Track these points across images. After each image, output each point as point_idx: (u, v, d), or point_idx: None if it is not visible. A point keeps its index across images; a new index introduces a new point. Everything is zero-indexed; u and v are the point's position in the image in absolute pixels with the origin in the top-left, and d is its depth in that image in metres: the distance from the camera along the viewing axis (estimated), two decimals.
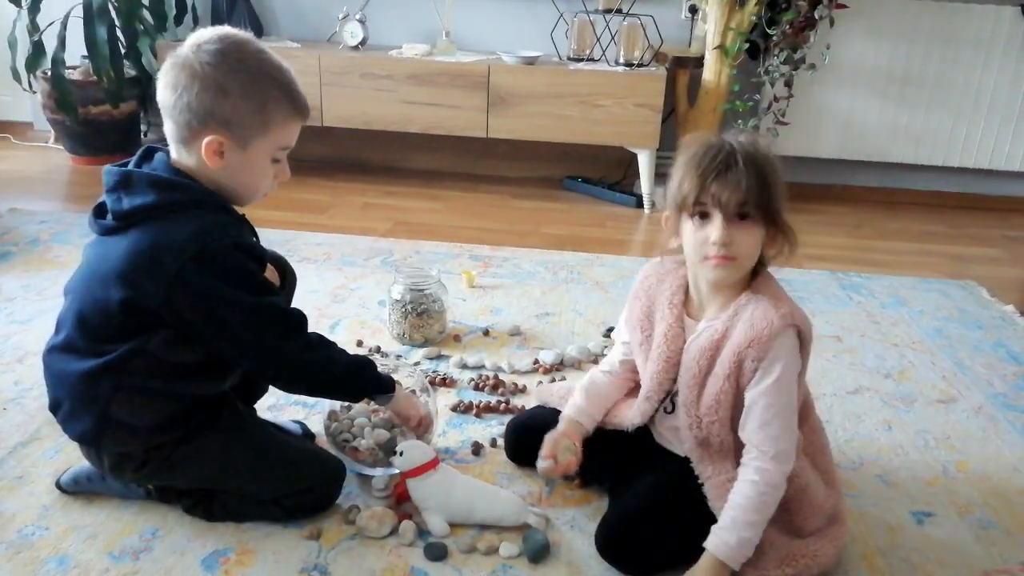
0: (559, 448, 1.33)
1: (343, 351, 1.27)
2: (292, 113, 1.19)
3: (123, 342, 1.15)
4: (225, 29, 1.16)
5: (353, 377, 1.27)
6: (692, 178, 1.15)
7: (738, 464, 1.20)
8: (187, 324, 1.14)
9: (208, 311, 1.13)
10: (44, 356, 1.23)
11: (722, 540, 1.14)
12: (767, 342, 1.15)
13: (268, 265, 1.39)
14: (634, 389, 1.41)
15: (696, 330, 1.24)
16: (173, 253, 1.10)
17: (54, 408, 1.23)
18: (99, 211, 1.19)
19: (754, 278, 1.23)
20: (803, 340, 1.19)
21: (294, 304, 1.51)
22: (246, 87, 1.13)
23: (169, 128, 1.17)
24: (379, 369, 1.31)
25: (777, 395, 1.16)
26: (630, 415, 1.35)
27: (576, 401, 1.40)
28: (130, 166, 1.19)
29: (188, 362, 1.19)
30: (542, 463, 1.32)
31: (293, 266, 1.51)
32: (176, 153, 1.18)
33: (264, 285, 1.19)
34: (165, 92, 1.14)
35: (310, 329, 1.23)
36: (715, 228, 1.15)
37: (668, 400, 1.31)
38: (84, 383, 1.17)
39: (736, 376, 1.18)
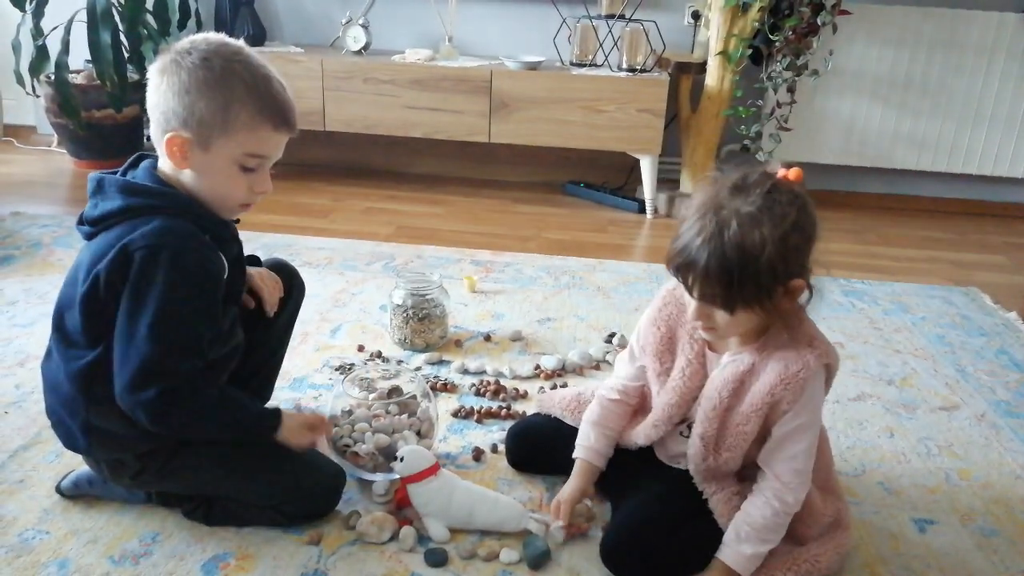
0: (575, 513, 1.29)
1: (230, 409, 1.20)
2: (259, 117, 1.14)
3: (88, 350, 1.15)
4: (209, 35, 1.16)
5: (222, 428, 1.21)
6: (671, 245, 1.10)
7: (741, 480, 1.20)
8: (111, 289, 1.11)
9: (136, 289, 1.10)
10: (41, 363, 1.26)
11: (737, 551, 1.16)
12: (803, 384, 1.12)
13: (270, 276, 1.40)
14: (641, 408, 1.37)
15: (720, 363, 1.21)
16: (131, 242, 1.10)
17: (48, 415, 1.25)
18: (82, 217, 1.20)
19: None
20: (830, 375, 1.18)
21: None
22: (208, 84, 1.11)
23: (151, 131, 1.17)
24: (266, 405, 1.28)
25: (806, 433, 1.15)
26: (634, 436, 1.33)
27: (590, 442, 1.34)
28: (118, 172, 1.19)
29: None
30: (556, 531, 1.26)
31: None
32: (160, 158, 1.18)
33: (189, 300, 1.12)
34: (148, 93, 1.15)
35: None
36: (690, 306, 1.13)
37: (684, 425, 1.28)
38: (63, 392, 1.19)
39: (765, 414, 1.15)
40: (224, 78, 1.12)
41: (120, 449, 1.21)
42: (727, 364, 1.19)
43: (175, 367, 1.12)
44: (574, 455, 1.35)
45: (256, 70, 1.15)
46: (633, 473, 1.32)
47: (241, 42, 1.17)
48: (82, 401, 1.17)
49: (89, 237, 1.18)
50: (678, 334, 1.25)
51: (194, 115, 1.12)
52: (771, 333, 1.16)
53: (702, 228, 1.06)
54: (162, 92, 1.13)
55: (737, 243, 1.03)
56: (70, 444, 1.23)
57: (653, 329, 1.28)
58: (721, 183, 1.10)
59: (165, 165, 1.18)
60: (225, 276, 1.19)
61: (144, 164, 1.20)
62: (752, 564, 1.16)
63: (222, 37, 1.16)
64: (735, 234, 1.04)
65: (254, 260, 1.40)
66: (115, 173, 1.19)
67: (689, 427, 1.25)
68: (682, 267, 1.08)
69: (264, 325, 1.40)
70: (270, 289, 1.39)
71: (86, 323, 1.15)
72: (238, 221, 1.28)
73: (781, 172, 1.11)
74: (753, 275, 1.04)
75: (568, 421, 1.44)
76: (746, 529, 1.16)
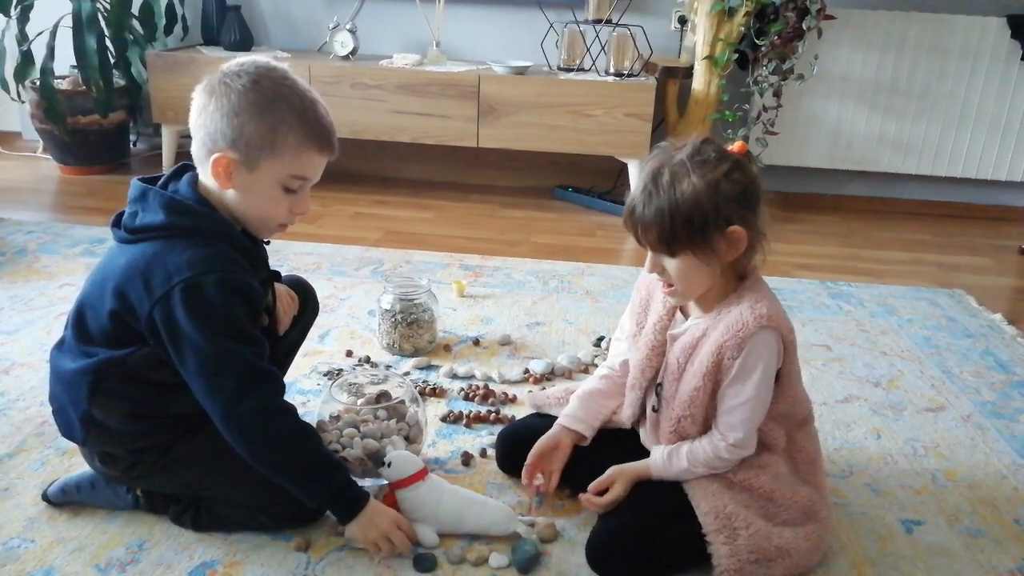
0: (546, 462, 1.36)
1: (315, 442, 1.20)
2: (307, 141, 1.17)
3: (107, 349, 1.17)
4: (257, 58, 1.18)
5: (310, 472, 1.18)
6: (626, 205, 1.21)
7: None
8: (162, 348, 1.14)
9: (175, 343, 1.12)
10: (51, 350, 1.27)
11: (663, 456, 1.27)
12: (742, 341, 1.18)
13: (286, 292, 1.40)
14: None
15: (683, 326, 1.28)
16: (161, 279, 1.11)
17: (50, 402, 1.26)
18: (118, 220, 1.21)
19: (742, 282, 1.24)
20: (785, 342, 1.21)
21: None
22: (258, 106, 1.14)
23: (193, 149, 1.18)
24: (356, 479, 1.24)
25: (744, 386, 1.19)
26: (623, 414, 1.39)
27: (571, 409, 1.41)
28: (160, 182, 1.20)
29: (163, 381, 1.19)
30: (534, 480, 1.35)
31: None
32: (201, 175, 1.20)
33: (240, 331, 1.15)
34: (192, 113, 1.17)
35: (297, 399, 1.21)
36: (647, 259, 1.22)
37: (655, 397, 1.32)
38: (70, 383, 1.20)
39: (714, 374, 1.21)
40: (273, 101, 1.14)
41: (115, 444, 1.22)
42: (688, 329, 1.26)
43: (258, 369, 1.15)
44: (556, 421, 1.40)
45: (304, 94, 1.17)
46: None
47: (286, 66, 1.19)
48: (87, 394, 1.18)
49: (123, 241, 1.19)
50: (654, 295, 1.33)
51: (242, 137, 1.14)
52: (725, 301, 1.23)
53: (643, 183, 1.18)
54: (210, 112, 1.14)
55: (667, 188, 1.15)
56: (67, 433, 1.25)
57: (635, 293, 1.38)
58: (666, 150, 1.20)
59: (204, 179, 1.19)
60: (262, 300, 1.22)
61: (187, 177, 1.20)
62: (667, 473, 1.26)
63: (269, 60, 1.18)
64: (667, 181, 1.15)
65: (275, 276, 1.40)
66: (155, 181, 1.20)
67: (659, 399, 1.31)
68: (628, 220, 1.20)
69: (272, 342, 1.39)
70: (285, 307, 1.41)
71: (113, 331, 1.17)
72: (268, 243, 1.29)
73: (729, 147, 1.20)
74: (685, 217, 1.13)
75: (558, 415, 1.45)
76: (684, 448, 1.25)
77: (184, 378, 1.15)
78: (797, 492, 1.25)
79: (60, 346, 1.25)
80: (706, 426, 1.26)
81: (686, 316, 1.29)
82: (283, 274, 1.47)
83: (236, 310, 1.15)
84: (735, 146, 1.20)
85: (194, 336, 1.11)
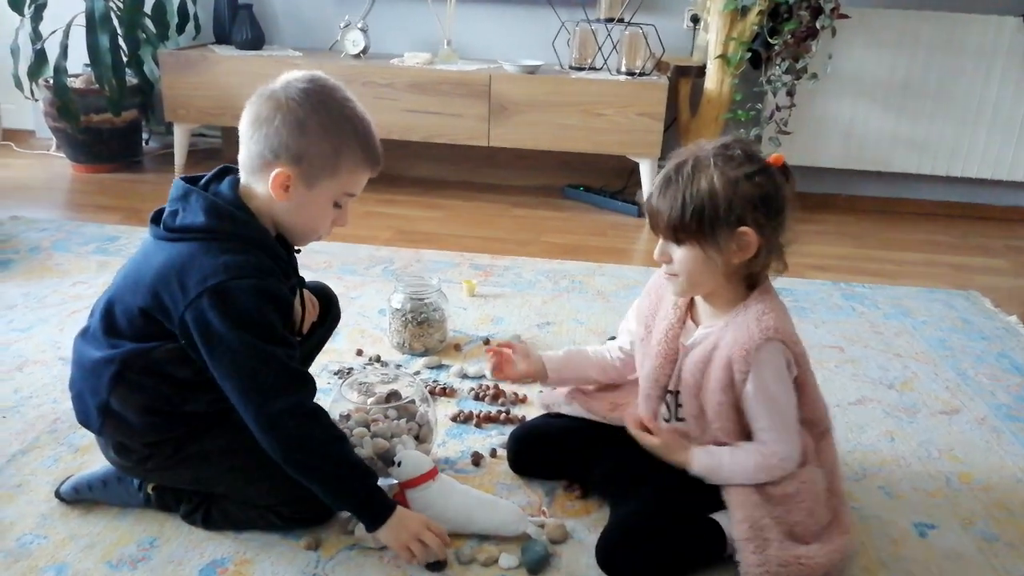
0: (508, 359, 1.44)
1: (347, 446, 1.21)
2: (364, 163, 1.22)
3: (133, 342, 1.18)
4: (318, 73, 1.20)
5: (341, 475, 1.18)
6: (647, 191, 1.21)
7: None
8: (194, 349, 1.15)
9: (209, 344, 1.13)
10: (75, 337, 1.27)
11: (708, 452, 1.25)
12: (748, 355, 1.17)
13: (309, 298, 1.42)
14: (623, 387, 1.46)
15: (694, 336, 1.26)
16: (196, 280, 1.12)
17: (70, 387, 1.27)
18: (157, 216, 1.22)
19: (752, 290, 1.22)
20: (793, 353, 1.20)
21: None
22: (325, 128, 1.16)
23: (243, 156, 1.19)
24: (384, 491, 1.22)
25: (764, 399, 1.19)
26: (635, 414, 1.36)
27: (553, 354, 1.47)
28: (202, 182, 1.22)
29: (186, 378, 1.20)
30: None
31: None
32: (245, 180, 1.21)
33: (274, 334, 1.16)
34: (247, 121, 1.18)
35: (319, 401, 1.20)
36: (657, 246, 1.22)
37: (667, 410, 1.31)
38: (92, 372, 1.21)
39: (730, 387, 1.20)
40: (339, 123, 1.18)
41: (130, 436, 1.23)
42: (699, 339, 1.25)
43: (292, 370, 1.16)
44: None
45: (362, 116, 1.21)
46: (629, 473, 1.32)
47: (341, 84, 1.22)
48: (108, 383, 1.19)
49: (161, 239, 1.19)
50: (664, 301, 1.33)
51: (307, 156, 1.16)
52: (734, 310, 1.22)
53: (666, 171, 1.19)
54: (275, 126, 1.15)
55: (687, 178, 1.15)
56: (84, 421, 1.26)
57: (644, 297, 1.38)
58: (700, 144, 1.20)
59: (256, 188, 1.20)
60: (292, 307, 1.24)
61: (228, 181, 1.21)
62: (709, 475, 1.23)
63: (330, 78, 1.21)
64: (688, 172, 1.16)
65: (301, 282, 1.41)
66: (197, 181, 1.21)
67: (669, 410, 1.31)
68: (648, 205, 1.20)
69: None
70: (306, 313, 1.42)
71: (143, 326, 1.18)
72: (300, 251, 1.30)
73: (770, 157, 1.20)
74: (697, 206, 1.14)
75: (568, 411, 1.46)
76: (727, 457, 1.23)
77: (217, 380, 1.15)
78: (832, 506, 1.24)
79: (84, 334, 1.26)
80: (738, 432, 1.24)
81: (696, 323, 1.28)
82: (309, 280, 1.47)
83: (269, 314, 1.15)
84: (772, 156, 1.19)
85: (228, 337, 1.12)
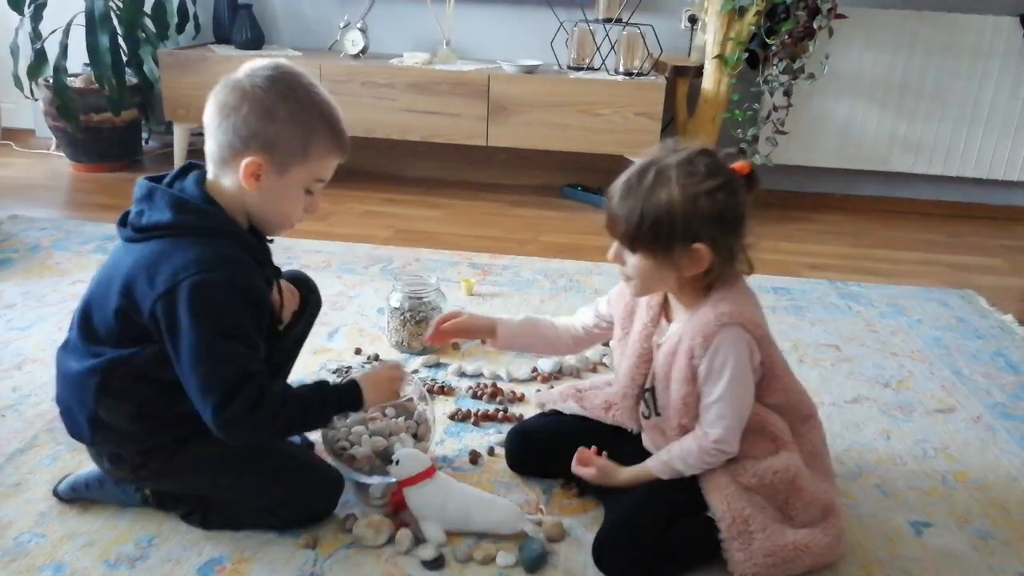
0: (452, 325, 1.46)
1: (301, 395, 1.24)
2: (334, 148, 1.21)
3: (114, 348, 1.17)
4: (280, 60, 1.20)
5: (309, 418, 1.25)
6: (608, 190, 1.22)
7: None
8: (164, 344, 1.14)
9: (172, 337, 1.12)
10: (57, 351, 1.27)
11: (658, 458, 1.27)
12: (705, 339, 1.19)
13: (287, 287, 1.41)
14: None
15: (667, 333, 1.28)
16: (166, 275, 1.11)
17: (57, 402, 1.26)
18: (124, 219, 1.21)
19: (716, 286, 1.23)
20: (755, 336, 1.20)
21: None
22: (294, 114, 1.16)
23: (210, 148, 1.18)
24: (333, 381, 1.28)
25: (717, 382, 1.20)
26: (619, 417, 1.39)
27: (512, 318, 1.48)
28: (165, 180, 1.20)
29: (170, 380, 1.17)
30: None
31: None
32: (212, 173, 1.20)
33: (238, 331, 1.14)
34: (212, 111, 1.17)
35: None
36: (611, 247, 1.23)
37: (645, 407, 1.33)
38: (77, 384, 1.20)
39: (692, 378, 1.22)
40: (307, 109, 1.17)
41: (122, 444, 1.22)
42: (669, 336, 1.27)
43: (250, 371, 1.14)
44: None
45: (329, 101, 1.21)
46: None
47: (304, 69, 1.21)
48: (94, 394, 1.18)
49: (129, 240, 1.19)
50: (639, 301, 1.34)
51: (278, 142, 1.15)
52: (697, 304, 1.23)
53: (628, 175, 1.19)
54: (242, 115, 1.14)
55: (647, 188, 1.15)
56: (75, 434, 1.25)
57: (621, 297, 1.38)
58: (666, 147, 1.20)
59: (218, 178, 1.19)
60: (267, 301, 1.23)
61: (193, 176, 1.20)
62: (667, 472, 1.26)
63: (292, 65, 1.21)
64: (649, 181, 1.15)
65: (276, 272, 1.40)
66: (161, 180, 1.20)
67: (647, 406, 1.32)
68: (607, 207, 1.20)
69: (275, 338, 1.39)
70: (285, 302, 1.40)
71: (121, 329, 1.17)
72: (272, 240, 1.30)
73: (736, 164, 1.19)
74: (654, 221, 1.14)
75: (565, 410, 1.47)
76: (676, 448, 1.25)
77: (179, 375, 1.14)
78: (817, 489, 1.25)
79: (65, 347, 1.25)
80: None
81: (670, 321, 1.30)
82: (286, 270, 1.47)
83: (239, 310, 1.14)
84: (738, 164, 1.19)
85: (190, 331, 1.11)
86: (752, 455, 1.24)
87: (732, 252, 1.19)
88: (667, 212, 1.14)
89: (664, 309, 1.31)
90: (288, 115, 1.15)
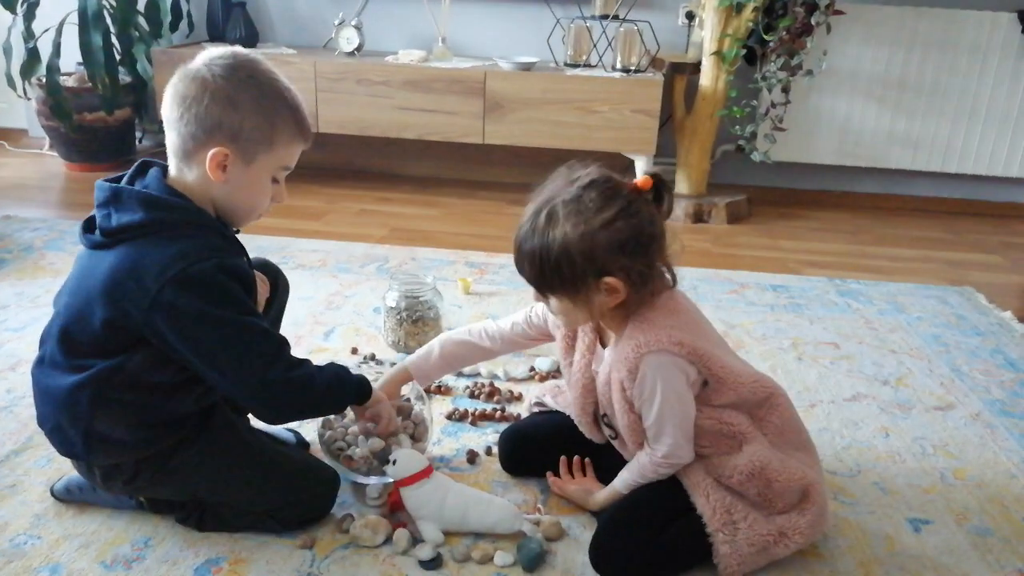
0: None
1: (319, 367, 1.24)
2: (297, 135, 1.19)
3: (102, 359, 1.13)
4: (236, 48, 1.18)
5: (333, 391, 1.24)
6: (518, 227, 1.19)
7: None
8: (169, 346, 1.11)
9: (188, 332, 1.10)
10: (32, 370, 1.22)
11: (622, 478, 1.28)
12: (630, 373, 1.18)
13: (258, 276, 1.39)
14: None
15: (603, 360, 1.27)
16: (154, 275, 1.09)
17: (41, 423, 1.22)
18: (89, 225, 1.17)
19: (633, 312, 1.20)
20: (684, 355, 1.16)
21: (287, 311, 1.52)
22: (257, 101, 1.14)
23: (172, 140, 1.15)
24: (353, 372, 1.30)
25: (651, 405, 1.19)
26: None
27: (424, 352, 1.43)
28: (123, 181, 1.17)
29: (167, 381, 1.16)
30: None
31: (287, 273, 1.51)
32: (175, 168, 1.17)
33: (248, 307, 1.15)
34: (171, 104, 1.14)
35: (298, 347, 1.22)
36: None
37: (608, 428, 1.34)
38: (66, 399, 1.15)
39: (631, 406, 1.22)
40: (270, 96, 1.15)
41: (119, 454, 1.18)
42: (601, 370, 1.26)
43: (278, 337, 1.19)
44: (403, 362, 1.43)
45: (290, 88, 1.19)
46: (617, 469, 1.31)
47: (261, 55, 1.20)
48: (87, 408, 1.14)
49: (98, 246, 1.15)
50: (578, 332, 1.32)
51: (243, 130, 1.13)
52: (621, 330, 1.21)
53: (531, 211, 1.17)
54: (205, 105, 1.11)
55: (542, 230, 1.13)
56: (67, 451, 1.20)
57: (558, 330, 1.35)
58: (565, 176, 1.19)
59: (181, 172, 1.16)
60: (253, 281, 1.22)
61: (153, 173, 1.17)
62: (626, 485, 1.27)
63: (250, 51, 1.19)
64: (543, 221, 1.13)
65: (249, 260, 1.39)
66: (119, 180, 1.17)
67: (611, 428, 1.32)
68: (515, 254, 1.19)
69: None
70: (259, 288, 1.39)
71: (107, 340, 1.13)
72: (239, 231, 1.27)
73: (636, 180, 1.17)
74: (555, 266, 1.12)
75: (552, 405, 1.48)
76: (634, 465, 1.26)
77: (201, 367, 1.13)
78: (791, 473, 1.22)
79: (41, 364, 1.19)
80: None
81: (605, 346, 1.29)
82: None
83: (238, 290, 1.14)
84: (639, 180, 1.16)
85: (210, 318, 1.10)
86: (719, 453, 1.24)
87: (647, 275, 1.15)
88: (565, 254, 1.11)
89: (600, 333, 1.30)
90: (251, 103, 1.13)
